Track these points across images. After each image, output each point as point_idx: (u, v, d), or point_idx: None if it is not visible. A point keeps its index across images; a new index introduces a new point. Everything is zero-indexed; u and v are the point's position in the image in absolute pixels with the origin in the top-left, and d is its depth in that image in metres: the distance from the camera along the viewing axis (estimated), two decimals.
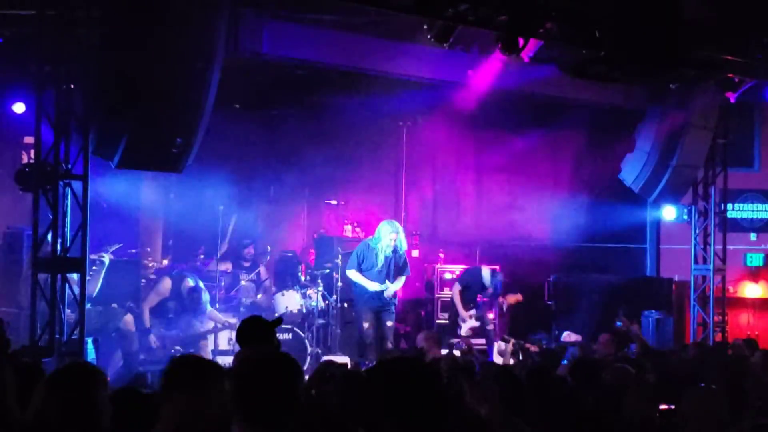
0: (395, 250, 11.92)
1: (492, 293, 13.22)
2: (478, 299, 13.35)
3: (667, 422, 5.85)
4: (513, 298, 13.47)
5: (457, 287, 13.43)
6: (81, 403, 3.70)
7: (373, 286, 11.82)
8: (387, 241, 11.82)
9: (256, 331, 5.78)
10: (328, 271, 12.97)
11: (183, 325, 11.77)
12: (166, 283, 11.77)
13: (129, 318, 11.34)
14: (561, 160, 14.51)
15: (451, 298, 13.54)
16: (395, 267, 11.96)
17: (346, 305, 13.01)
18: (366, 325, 11.90)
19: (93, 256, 10.88)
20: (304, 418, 4.58)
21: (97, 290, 10.67)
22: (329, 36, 11.49)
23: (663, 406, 6.42)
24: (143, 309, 11.67)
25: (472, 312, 13.19)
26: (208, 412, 3.53)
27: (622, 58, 10.20)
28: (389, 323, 11.94)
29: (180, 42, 9.15)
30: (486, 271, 13.26)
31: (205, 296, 11.85)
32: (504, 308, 13.61)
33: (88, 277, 9.99)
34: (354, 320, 12.53)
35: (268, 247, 13.15)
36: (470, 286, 13.35)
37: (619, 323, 12.22)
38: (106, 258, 11.16)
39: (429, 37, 10.87)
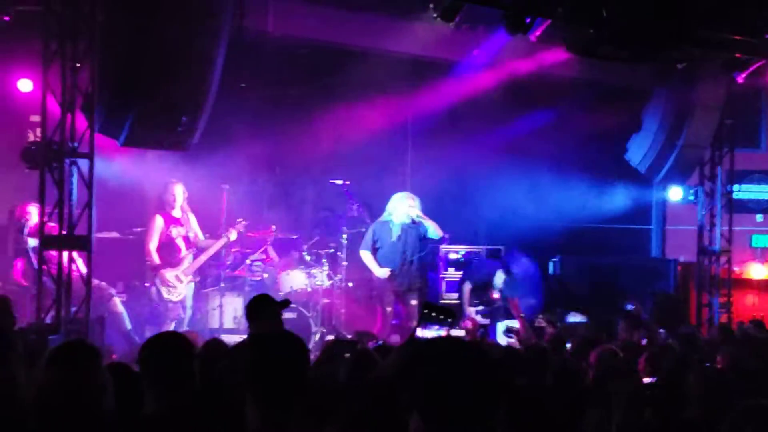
0: (413, 221, 11.84)
1: (500, 298, 13.02)
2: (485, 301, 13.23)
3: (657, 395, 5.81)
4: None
5: (467, 286, 13.33)
6: (80, 380, 3.73)
7: (380, 272, 11.78)
8: (402, 212, 11.72)
9: (265, 308, 5.84)
10: (332, 250, 12.96)
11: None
12: (158, 220, 11.72)
13: (115, 300, 11.34)
14: (566, 140, 14.45)
15: (459, 294, 13.45)
16: (418, 239, 11.87)
17: (351, 284, 13.01)
18: (389, 309, 11.86)
19: (104, 235, 11.01)
20: (312, 397, 4.59)
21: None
22: (335, 14, 11.46)
23: (646, 380, 6.41)
24: (150, 250, 11.66)
25: (479, 309, 13.07)
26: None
27: (629, 37, 10.15)
28: (413, 302, 11.77)
29: (185, 21, 9.14)
30: (500, 278, 13.08)
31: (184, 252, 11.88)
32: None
33: None
34: (369, 301, 12.55)
35: (273, 227, 13.14)
36: (480, 288, 13.21)
37: (630, 306, 12.18)
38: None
39: (435, 15, 10.84)
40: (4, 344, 3.58)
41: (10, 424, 3.22)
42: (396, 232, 11.77)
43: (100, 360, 3.98)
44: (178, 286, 11.66)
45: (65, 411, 3.33)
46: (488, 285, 13.09)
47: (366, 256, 11.92)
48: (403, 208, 11.71)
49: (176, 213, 11.79)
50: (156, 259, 11.62)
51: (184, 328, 11.53)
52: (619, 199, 15.65)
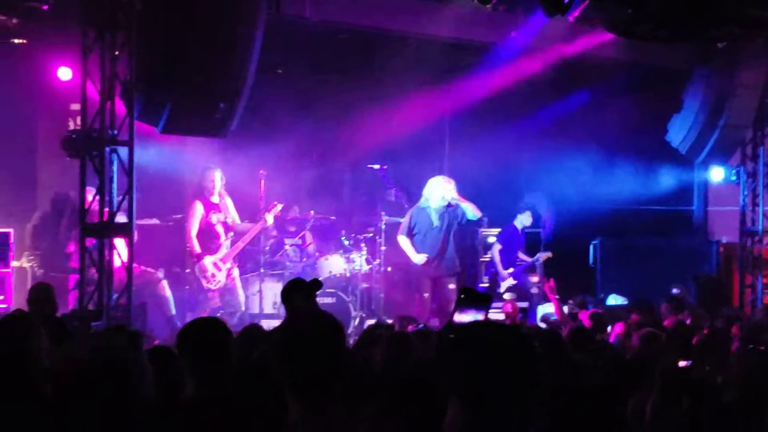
0: (449, 204, 11.80)
1: (539, 281, 13.16)
2: (517, 261, 13.41)
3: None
4: (543, 256, 13.48)
5: (497, 246, 13.44)
6: (118, 363, 3.78)
7: (417, 258, 11.74)
8: (439, 195, 11.69)
9: (298, 292, 5.89)
10: (371, 235, 12.97)
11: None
12: (198, 206, 11.79)
13: (163, 284, 11.44)
14: (606, 122, 14.34)
15: (491, 258, 13.59)
16: (456, 223, 11.85)
17: (389, 269, 13.02)
18: (426, 295, 11.85)
19: (144, 222, 11.10)
20: (350, 380, 4.60)
21: None
22: None
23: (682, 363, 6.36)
24: (191, 237, 11.74)
25: (511, 270, 13.25)
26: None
27: (669, 16, 10.03)
28: (451, 286, 11.71)
29: (222, 7, 9.17)
30: (522, 219, 13.31)
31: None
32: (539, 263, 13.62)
33: None
34: (408, 286, 12.56)
35: (312, 212, 13.17)
36: (509, 245, 13.35)
37: (676, 289, 12.10)
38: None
39: None
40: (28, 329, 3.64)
41: (47, 411, 3.26)
42: (434, 217, 11.72)
43: (140, 345, 4.04)
44: (216, 274, 11.72)
45: (104, 396, 3.35)
46: (515, 241, 13.31)
47: (403, 241, 11.89)
48: (439, 192, 11.65)
49: (215, 199, 11.83)
50: (196, 246, 11.69)
51: (238, 314, 11.62)
52: (660, 180, 15.51)
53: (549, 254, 13.50)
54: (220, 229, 11.85)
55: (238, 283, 12.05)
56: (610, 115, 14.20)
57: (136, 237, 9.66)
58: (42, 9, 11.00)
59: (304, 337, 3.31)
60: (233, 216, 12.03)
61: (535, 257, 13.52)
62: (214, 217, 11.79)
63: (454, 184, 11.78)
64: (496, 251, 13.45)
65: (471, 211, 11.77)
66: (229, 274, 11.89)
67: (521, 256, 13.72)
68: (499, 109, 13.93)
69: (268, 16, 9.71)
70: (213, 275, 11.70)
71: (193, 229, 11.72)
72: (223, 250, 11.83)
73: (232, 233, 12.00)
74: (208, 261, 11.69)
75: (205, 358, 3.99)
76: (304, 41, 12.03)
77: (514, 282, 13.31)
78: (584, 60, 12.89)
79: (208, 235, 11.78)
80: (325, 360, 3.27)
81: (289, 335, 3.39)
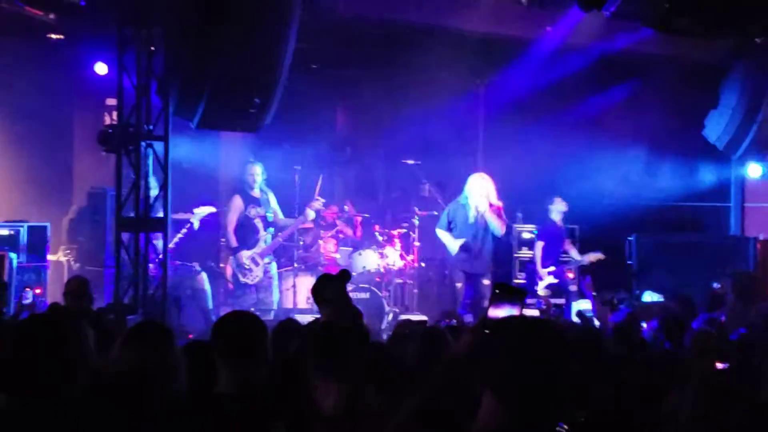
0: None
1: (574, 277, 12.95)
2: (561, 257, 13.24)
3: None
4: (593, 257, 13.24)
5: (539, 244, 13.25)
6: (153, 358, 3.85)
7: (454, 245, 11.66)
8: (479, 195, 11.62)
9: (328, 287, 5.87)
10: (405, 230, 12.96)
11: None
12: (237, 200, 11.84)
13: (202, 276, 11.51)
14: (642, 117, 14.23)
15: (532, 255, 13.42)
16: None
17: (423, 264, 13.00)
18: (459, 285, 11.80)
19: (180, 216, 11.13)
20: (382, 375, 4.60)
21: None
22: None
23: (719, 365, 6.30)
24: (229, 231, 11.78)
25: (551, 269, 13.05)
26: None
27: (706, 10, 9.94)
28: (485, 282, 11.69)
29: (257, 2, 9.18)
30: (556, 209, 13.13)
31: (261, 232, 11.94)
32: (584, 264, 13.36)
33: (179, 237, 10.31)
34: (442, 281, 12.52)
35: (346, 207, 13.19)
36: (551, 241, 13.19)
37: (716, 285, 11.96)
38: (196, 222, 11.40)
39: None
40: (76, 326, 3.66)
41: (81, 402, 3.29)
42: (471, 214, 11.65)
43: (172, 340, 4.07)
44: (254, 269, 11.76)
45: (137, 390, 3.39)
46: (556, 238, 13.08)
47: (441, 232, 11.81)
48: (476, 193, 11.56)
49: (255, 193, 11.88)
50: (233, 241, 11.75)
51: (273, 311, 11.65)
52: (697, 176, 15.38)
53: (600, 255, 13.15)
54: (258, 223, 11.88)
55: (275, 282, 12.08)
56: (646, 110, 14.09)
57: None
58: (79, 5, 11.10)
59: (335, 333, 3.32)
60: (275, 210, 12.05)
61: (582, 257, 13.25)
62: (253, 211, 11.83)
63: (493, 184, 11.68)
64: (538, 249, 13.21)
65: (495, 227, 11.63)
66: (266, 271, 11.92)
67: (570, 252, 13.42)
68: (535, 104, 13.86)
69: (302, 11, 9.71)
70: (250, 269, 11.74)
71: (231, 224, 11.77)
72: (261, 245, 11.87)
73: (273, 228, 12.02)
74: (245, 255, 11.73)
75: (238, 353, 4.00)
76: (338, 36, 12.05)
77: (555, 281, 13.06)
78: (620, 55, 12.79)
79: (246, 230, 11.83)
80: (354, 354, 3.28)
81: (322, 330, 3.40)
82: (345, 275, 5.45)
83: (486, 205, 11.54)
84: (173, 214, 10.21)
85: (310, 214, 11.99)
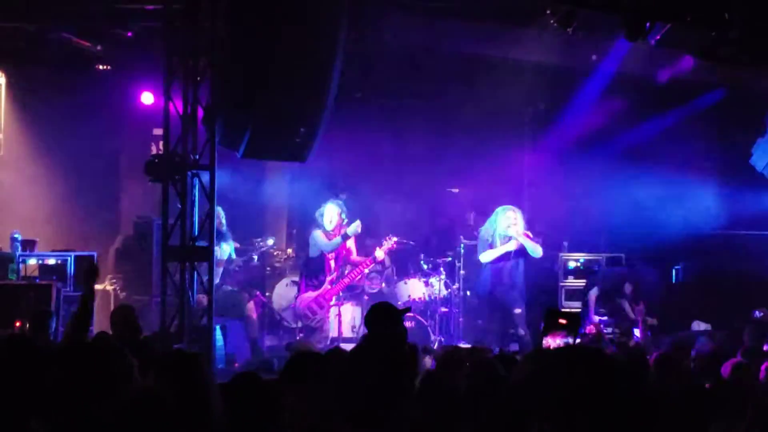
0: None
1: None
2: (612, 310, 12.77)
3: None
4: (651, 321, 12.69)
5: (594, 292, 12.85)
6: (185, 385, 3.87)
7: (507, 247, 11.45)
8: (504, 225, 11.49)
9: (385, 316, 5.86)
10: (450, 259, 12.92)
11: None
12: (317, 236, 11.63)
13: (251, 305, 11.50)
14: (689, 145, 14.13)
15: (584, 300, 13.01)
16: (522, 250, 11.58)
17: (468, 293, 12.94)
18: (518, 311, 11.54)
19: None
20: (429, 402, 4.57)
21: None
22: (451, 23, 11.44)
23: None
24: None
25: (604, 318, 12.59)
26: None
27: (752, 39, 9.87)
28: (517, 311, 11.46)
29: (304, 33, 9.22)
30: (627, 288, 12.50)
31: None
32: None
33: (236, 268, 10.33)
34: (478, 309, 12.43)
35: (391, 236, 13.18)
36: (607, 295, 12.74)
37: (758, 313, 11.78)
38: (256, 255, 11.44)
39: (552, 22, 10.72)
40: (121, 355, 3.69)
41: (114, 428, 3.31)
42: (498, 243, 11.51)
43: (202, 368, 4.07)
44: (319, 311, 11.64)
45: (166, 416, 3.40)
46: (616, 293, 12.63)
47: (485, 254, 11.60)
48: (503, 224, 11.43)
49: (330, 229, 11.67)
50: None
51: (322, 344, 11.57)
52: (744, 204, 15.21)
53: (654, 321, 12.62)
54: (332, 263, 11.70)
55: (332, 323, 11.85)
56: (694, 138, 13.99)
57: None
58: (126, 36, 11.24)
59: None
60: (351, 248, 11.88)
61: (643, 318, 12.64)
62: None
63: (521, 214, 11.55)
64: (592, 297, 12.77)
65: (532, 249, 11.48)
66: (330, 312, 11.76)
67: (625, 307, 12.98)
68: (579, 132, 13.81)
69: (349, 39, 9.75)
70: (315, 313, 11.63)
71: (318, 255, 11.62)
72: (327, 286, 11.71)
73: (347, 267, 11.89)
74: (307, 298, 11.62)
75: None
76: (383, 65, 12.08)
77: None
78: (666, 83, 12.74)
79: (317, 268, 11.69)
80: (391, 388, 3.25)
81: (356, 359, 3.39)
82: (406, 309, 5.44)
83: (519, 229, 11.39)
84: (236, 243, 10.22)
85: (379, 254, 11.80)
